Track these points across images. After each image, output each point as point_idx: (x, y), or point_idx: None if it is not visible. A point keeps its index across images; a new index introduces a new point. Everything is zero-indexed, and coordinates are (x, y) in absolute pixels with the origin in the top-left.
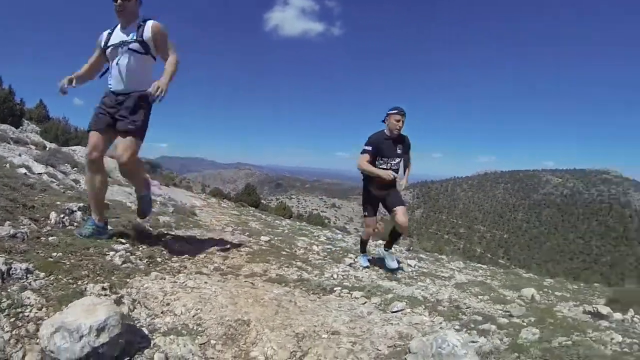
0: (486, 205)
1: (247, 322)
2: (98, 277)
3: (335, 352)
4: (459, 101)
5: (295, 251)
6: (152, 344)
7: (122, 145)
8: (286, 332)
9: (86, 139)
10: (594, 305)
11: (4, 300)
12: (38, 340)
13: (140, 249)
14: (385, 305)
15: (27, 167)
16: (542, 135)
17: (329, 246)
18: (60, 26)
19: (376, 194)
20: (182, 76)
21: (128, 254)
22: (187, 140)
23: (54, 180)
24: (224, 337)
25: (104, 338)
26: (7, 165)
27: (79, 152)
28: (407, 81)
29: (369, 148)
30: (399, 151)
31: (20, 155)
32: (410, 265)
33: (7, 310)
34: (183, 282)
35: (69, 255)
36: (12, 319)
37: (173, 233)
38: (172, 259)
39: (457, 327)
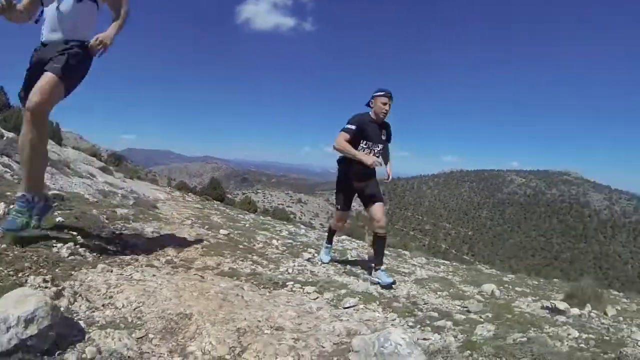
0: (451, 203)
1: (188, 316)
2: (41, 269)
3: (276, 349)
4: (428, 101)
5: (254, 245)
6: (86, 338)
7: (37, 83)
8: (228, 327)
9: (49, 129)
10: (551, 301)
11: None
12: None
13: (92, 241)
14: (338, 300)
15: None
16: (508, 136)
17: (289, 240)
18: None
19: (353, 183)
20: (152, 66)
21: (77, 246)
22: (156, 132)
23: (8, 171)
24: (163, 331)
25: (32, 330)
26: None
27: None
28: (376, 80)
29: (352, 127)
30: (382, 137)
31: None
32: (369, 260)
33: None
34: (129, 275)
35: (14, 246)
36: None
37: (129, 225)
38: (125, 251)
39: (410, 323)
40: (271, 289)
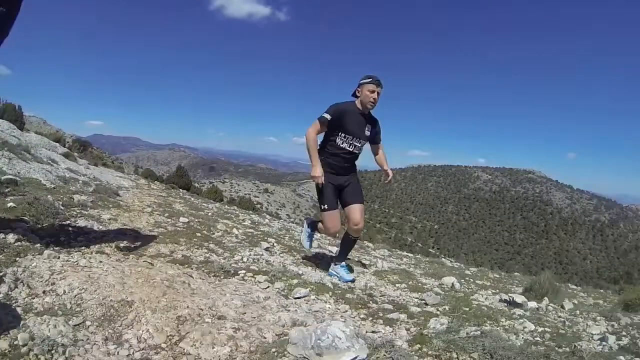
0: (418, 197)
1: (130, 303)
2: None
3: (214, 338)
4: (397, 95)
5: (213, 233)
6: (21, 325)
7: None
8: (168, 315)
9: (10, 113)
10: (510, 294)
11: None
12: None
13: (44, 227)
14: (289, 290)
15: None
16: (476, 134)
17: (250, 230)
18: None
19: (332, 180)
20: (121, 50)
21: (27, 232)
22: (124, 119)
23: None
24: (102, 318)
25: None
26: None
27: (4, 128)
28: (347, 74)
29: (327, 116)
30: (367, 132)
31: None
32: (332, 252)
33: None
34: (75, 261)
35: None
36: None
37: (86, 212)
38: (78, 238)
39: (362, 315)
40: (221, 277)
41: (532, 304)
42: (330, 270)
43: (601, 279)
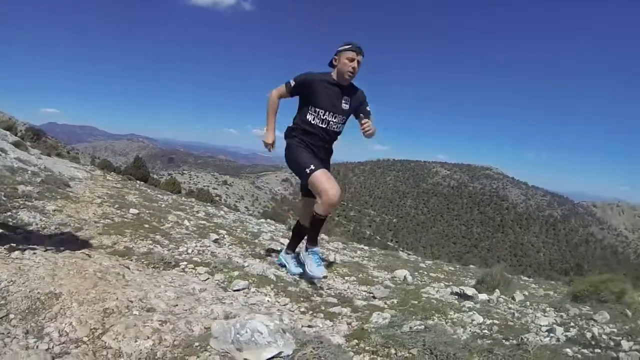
0: (377, 190)
1: (57, 295)
2: None
3: (138, 331)
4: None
5: (162, 225)
6: None
7: None
8: (95, 307)
9: None
10: (461, 287)
11: None
12: None
13: None
14: (228, 282)
15: None
16: (436, 130)
17: (203, 222)
18: None
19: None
20: (79, 35)
21: None
22: (80, 107)
23: None
24: (26, 311)
25: None
26: None
27: None
28: (313, 67)
29: (292, 82)
30: (344, 106)
31: None
32: (282, 244)
33: None
34: (7, 253)
35: None
36: None
37: (30, 204)
38: (17, 230)
39: (303, 309)
40: (161, 268)
41: (483, 296)
42: (302, 256)
43: (553, 271)
